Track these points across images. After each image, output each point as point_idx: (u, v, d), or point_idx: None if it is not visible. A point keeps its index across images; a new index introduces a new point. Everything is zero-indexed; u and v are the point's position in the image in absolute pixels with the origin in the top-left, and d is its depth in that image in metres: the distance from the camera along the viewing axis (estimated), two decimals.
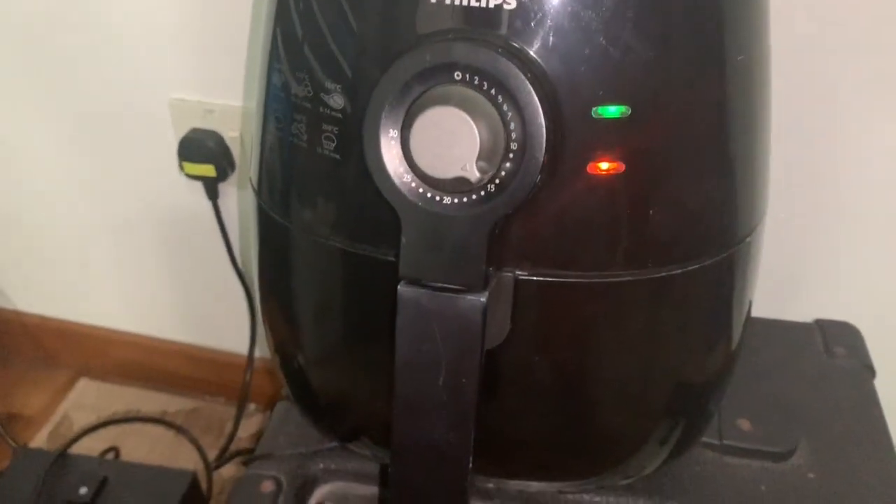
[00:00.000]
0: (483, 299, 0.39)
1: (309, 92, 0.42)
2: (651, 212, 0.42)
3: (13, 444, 1.02)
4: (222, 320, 1.08)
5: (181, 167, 0.91)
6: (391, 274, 0.42)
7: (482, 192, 0.38)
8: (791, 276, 0.82)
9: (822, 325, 0.76)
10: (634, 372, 0.48)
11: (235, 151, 0.90)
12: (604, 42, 0.38)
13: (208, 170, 0.90)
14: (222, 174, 0.90)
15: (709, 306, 0.48)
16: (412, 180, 0.38)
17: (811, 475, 0.62)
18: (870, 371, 0.72)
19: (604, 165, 0.40)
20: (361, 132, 0.39)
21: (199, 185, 0.93)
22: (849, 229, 0.79)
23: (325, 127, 0.42)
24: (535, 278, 0.42)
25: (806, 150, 0.73)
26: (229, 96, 0.87)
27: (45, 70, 0.91)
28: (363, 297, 0.49)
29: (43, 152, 0.99)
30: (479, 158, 0.36)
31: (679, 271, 0.44)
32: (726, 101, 0.42)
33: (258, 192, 0.51)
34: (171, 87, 0.89)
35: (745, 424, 0.64)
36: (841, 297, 0.82)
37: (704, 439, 0.62)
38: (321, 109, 0.42)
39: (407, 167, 0.38)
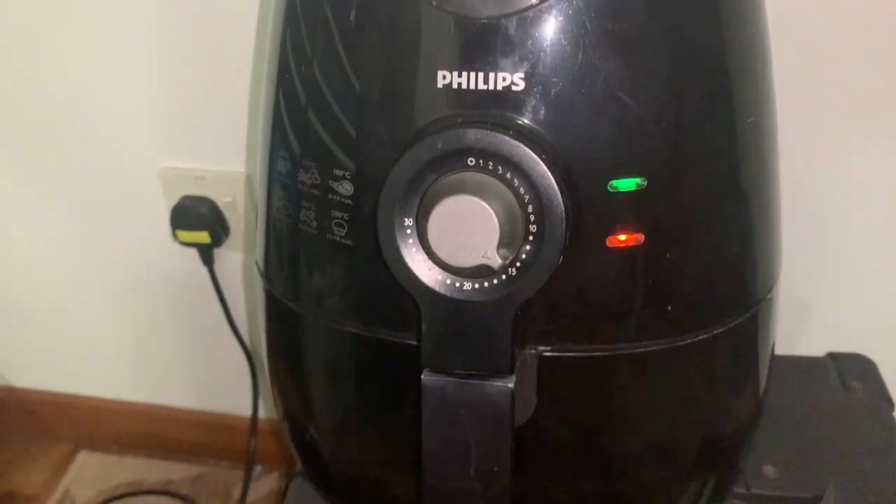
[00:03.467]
0: (510, 385, 0.38)
1: (317, 179, 0.42)
2: (673, 280, 0.41)
3: None
4: (223, 384, 1.07)
5: (175, 235, 0.89)
6: (408, 355, 0.41)
7: (504, 276, 0.37)
8: (798, 309, 0.82)
9: (836, 359, 0.76)
10: (663, 437, 0.47)
11: (229, 216, 0.89)
12: (615, 116, 0.37)
13: (202, 237, 0.89)
14: (217, 240, 0.89)
15: (736, 364, 0.48)
16: (431, 268, 0.38)
17: None
18: (889, 403, 0.71)
19: (623, 238, 0.39)
20: (375, 221, 0.38)
21: (193, 252, 0.92)
22: (854, 260, 0.78)
23: (334, 214, 0.42)
24: (559, 354, 0.41)
25: (808, 181, 0.73)
26: (220, 162, 0.86)
27: (32, 142, 0.90)
28: (378, 379, 0.47)
29: (32, 224, 0.98)
30: (499, 245, 0.36)
31: (704, 336, 0.43)
32: (740, 163, 0.42)
33: (266, 276, 0.49)
34: (160, 155, 0.88)
35: (770, 471, 0.63)
36: (850, 327, 0.82)
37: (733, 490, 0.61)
38: (330, 196, 0.41)
39: (425, 256, 0.37)
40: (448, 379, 0.38)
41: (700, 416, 0.48)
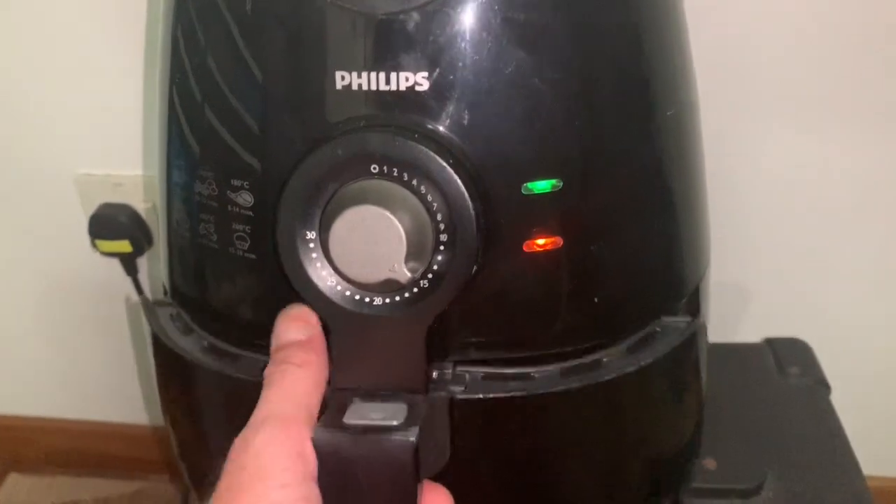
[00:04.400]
0: (413, 438, 0.33)
1: (214, 190, 0.39)
2: (596, 281, 0.39)
3: None
4: (154, 395, 1.03)
5: (94, 245, 0.85)
6: None
7: (415, 290, 0.35)
8: (734, 294, 0.81)
9: (773, 344, 0.75)
10: (599, 465, 0.45)
11: (151, 223, 0.85)
12: (527, 115, 0.35)
13: (123, 246, 0.85)
14: (139, 249, 0.85)
15: (672, 375, 0.45)
16: (337, 283, 0.35)
17: None
18: (825, 387, 0.71)
19: (540, 242, 0.37)
20: (274, 236, 0.35)
21: (116, 262, 0.88)
22: (787, 243, 0.78)
23: (235, 226, 0.39)
24: (472, 397, 0.38)
25: (734, 166, 0.72)
26: (139, 167, 0.82)
27: None
28: None
29: None
30: (407, 257, 0.33)
31: (632, 370, 0.40)
32: (661, 157, 0.40)
33: (172, 295, 0.46)
34: (75, 162, 0.84)
35: (710, 464, 0.62)
36: (786, 312, 0.82)
37: None
38: (230, 208, 0.39)
39: (330, 270, 0.35)
40: (342, 436, 0.33)
41: (639, 437, 0.45)
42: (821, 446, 0.65)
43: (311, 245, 0.35)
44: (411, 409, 0.35)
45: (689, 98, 0.42)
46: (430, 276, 0.35)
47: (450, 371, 0.38)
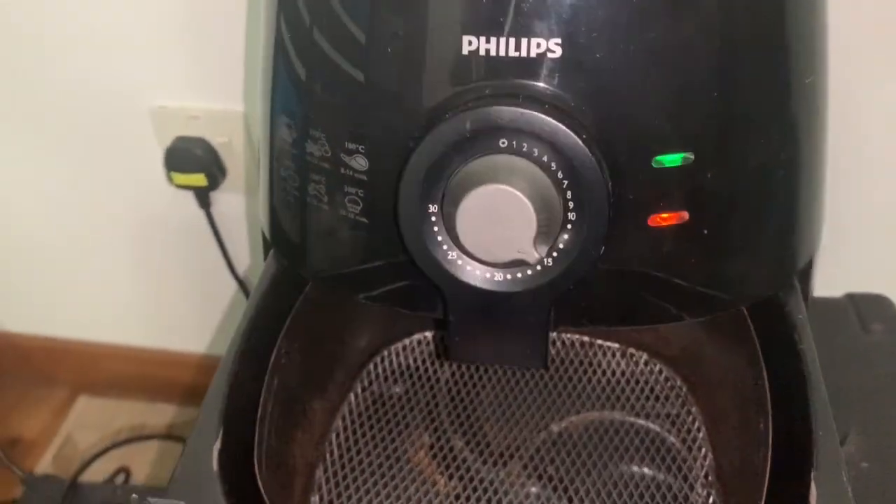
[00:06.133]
0: None
1: (326, 152, 0.38)
2: (718, 257, 0.38)
3: (20, 472, 0.99)
4: (222, 326, 1.04)
5: (169, 178, 0.85)
6: None
7: (539, 268, 0.34)
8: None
9: (855, 300, 0.73)
10: None
11: (225, 158, 0.85)
12: (662, 85, 0.33)
13: (198, 179, 0.84)
14: (213, 182, 0.85)
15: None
16: (459, 258, 0.34)
17: (864, 464, 0.60)
18: None
19: (666, 216, 0.36)
20: (396, 207, 0.34)
21: (189, 195, 0.88)
22: (872, 198, 0.75)
23: (348, 189, 0.38)
24: None
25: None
26: (214, 100, 0.81)
27: (16, 82, 0.85)
28: None
29: (20, 169, 0.93)
30: (536, 236, 0.32)
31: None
32: (796, 129, 0.38)
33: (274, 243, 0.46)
34: (151, 94, 0.83)
35: None
36: (869, 267, 0.79)
37: None
38: (342, 171, 0.37)
39: (452, 244, 0.34)
40: None
41: None
42: None
43: (433, 219, 0.34)
44: None
45: (824, 65, 0.40)
46: (556, 253, 0.33)
47: None
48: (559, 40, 0.32)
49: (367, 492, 0.44)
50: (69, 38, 0.80)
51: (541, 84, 0.33)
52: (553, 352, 0.54)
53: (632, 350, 0.54)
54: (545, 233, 0.32)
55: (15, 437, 1.11)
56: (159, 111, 0.83)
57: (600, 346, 0.55)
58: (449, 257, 0.34)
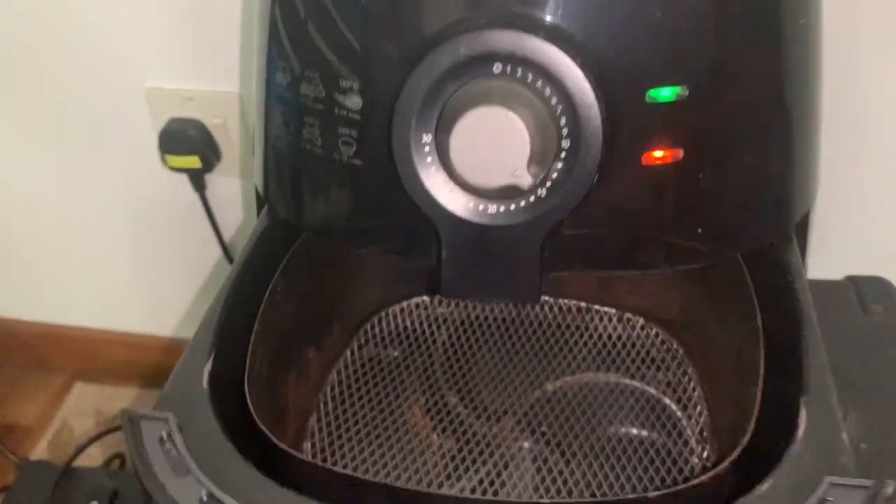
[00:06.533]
0: None
1: (321, 92, 0.37)
2: (713, 199, 0.38)
3: (14, 457, 0.98)
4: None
5: (163, 160, 0.85)
6: None
7: (532, 198, 0.34)
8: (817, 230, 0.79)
9: (856, 282, 0.73)
10: None
11: (220, 140, 0.84)
12: (656, 16, 0.33)
13: (193, 161, 0.84)
14: (208, 165, 0.85)
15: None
16: (452, 190, 0.34)
17: (864, 445, 0.59)
18: None
19: (660, 154, 0.35)
20: (389, 138, 0.34)
21: (183, 177, 0.87)
22: (875, 179, 0.75)
23: (341, 130, 0.38)
24: None
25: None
26: (208, 81, 0.81)
27: (9, 65, 0.85)
28: None
29: (14, 153, 0.93)
30: (529, 162, 0.32)
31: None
32: (788, 70, 0.38)
33: (267, 198, 0.46)
34: (145, 75, 0.82)
35: None
36: (870, 249, 0.79)
37: None
38: (336, 111, 0.37)
39: (446, 176, 0.34)
40: None
41: None
42: None
43: (427, 149, 0.34)
44: None
45: (817, 10, 0.39)
46: (549, 184, 0.33)
47: None
48: None
49: (360, 442, 0.44)
50: (62, 19, 0.79)
51: (536, 12, 0.33)
52: (550, 316, 0.54)
53: (628, 315, 0.54)
54: (539, 160, 0.32)
55: (11, 424, 1.10)
56: (153, 92, 0.83)
57: (597, 311, 0.55)
58: (443, 188, 0.34)
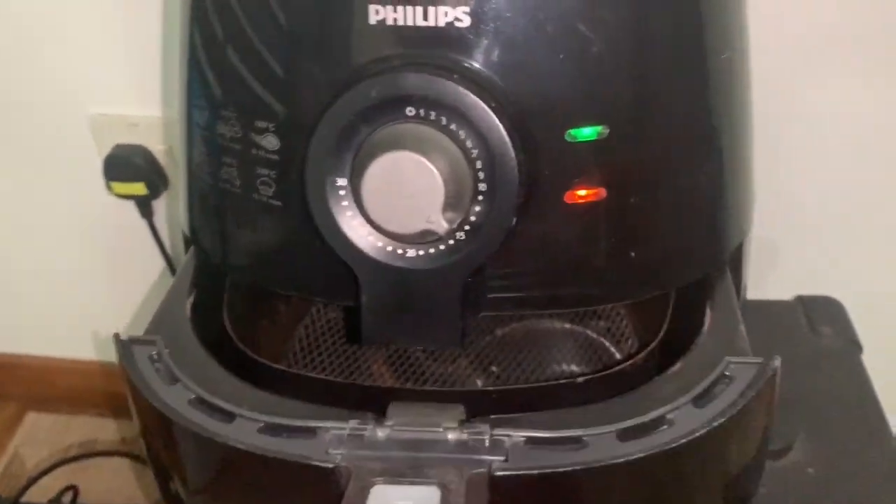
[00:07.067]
0: None
1: (237, 132, 0.37)
2: (639, 236, 0.37)
3: None
4: None
5: (109, 187, 0.83)
6: None
7: (451, 241, 0.33)
8: (767, 251, 0.79)
9: (805, 302, 0.73)
10: None
11: (166, 165, 0.83)
12: (574, 56, 0.33)
13: (138, 188, 0.82)
14: (154, 191, 0.83)
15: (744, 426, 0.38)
16: (369, 234, 0.33)
17: (811, 470, 0.59)
18: (857, 347, 0.69)
19: (583, 192, 0.35)
20: (303, 181, 0.33)
21: (131, 204, 0.86)
22: (822, 201, 0.76)
23: (260, 171, 0.37)
24: (515, 472, 0.32)
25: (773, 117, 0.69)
26: (153, 107, 0.80)
27: None
28: None
29: None
30: (444, 207, 0.31)
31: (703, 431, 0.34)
32: (713, 104, 0.38)
33: (193, 237, 0.45)
34: (89, 101, 0.81)
35: None
36: (819, 270, 0.79)
37: None
38: (254, 151, 0.36)
39: (362, 220, 0.33)
40: None
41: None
42: (851, 407, 0.64)
43: (342, 192, 0.33)
44: (445, 493, 0.30)
45: (742, 42, 0.39)
46: (467, 227, 0.33)
47: (487, 437, 0.33)
48: (467, 9, 0.32)
49: None
50: (3, 46, 0.78)
51: (450, 54, 0.32)
52: None
53: None
54: (455, 204, 0.32)
55: None
56: (98, 118, 0.82)
57: None
58: (360, 232, 0.33)
